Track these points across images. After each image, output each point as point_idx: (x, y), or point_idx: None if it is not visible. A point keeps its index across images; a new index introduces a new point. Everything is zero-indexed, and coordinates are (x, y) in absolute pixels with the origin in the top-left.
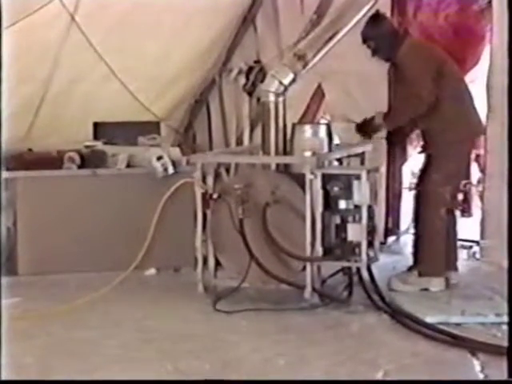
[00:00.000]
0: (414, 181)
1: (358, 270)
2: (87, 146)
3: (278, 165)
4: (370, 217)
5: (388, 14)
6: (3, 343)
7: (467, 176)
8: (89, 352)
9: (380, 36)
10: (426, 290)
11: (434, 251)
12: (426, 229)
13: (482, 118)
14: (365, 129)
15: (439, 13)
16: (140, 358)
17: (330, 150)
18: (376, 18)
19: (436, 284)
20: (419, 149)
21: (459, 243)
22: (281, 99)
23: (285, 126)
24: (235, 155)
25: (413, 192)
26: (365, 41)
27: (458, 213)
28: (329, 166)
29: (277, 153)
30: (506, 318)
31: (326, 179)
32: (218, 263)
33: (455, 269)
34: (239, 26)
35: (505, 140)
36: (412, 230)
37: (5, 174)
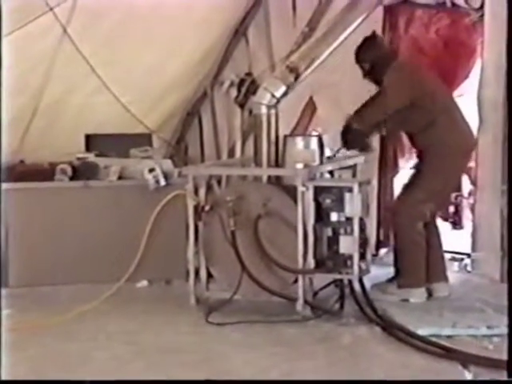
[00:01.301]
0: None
1: (350, 282)
2: (79, 158)
3: (269, 177)
4: (362, 229)
5: (379, 28)
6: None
7: (458, 188)
8: (80, 364)
9: (375, 59)
10: (407, 300)
11: (413, 263)
12: (405, 242)
13: (474, 131)
14: (350, 137)
15: (430, 26)
16: (132, 370)
17: (322, 162)
18: (373, 40)
19: (416, 295)
20: (413, 163)
21: (451, 255)
22: (273, 111)
23: (277, 138)
24: (227, 167)
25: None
26: (359, 61)
27: (440, 223)
28: (320, 179)
29: (269, 165)
30: (496, 330)
31: (318, 191)
32: (209, 275)
33: (445, 279)
34: (231, 38)
35: (496, 152)
36: (392, 243)
37: None
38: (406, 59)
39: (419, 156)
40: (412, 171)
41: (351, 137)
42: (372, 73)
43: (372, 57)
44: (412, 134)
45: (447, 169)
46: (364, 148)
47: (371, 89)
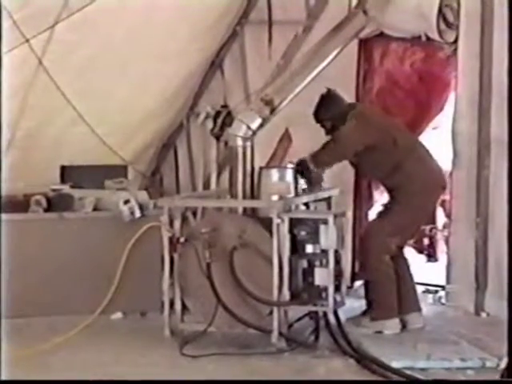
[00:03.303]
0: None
1: (325, 314)
2: (54, 190)
3: (245, 209)
4: (337, 261)
5: (355, 61)
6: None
7: (432, 221)
8: None
9: (335, 115)
10: (380, 332)
11: (384, 295)
12: (373, 275)
13: (443, 169)
14: (303, 171)
15: (405, 59)
16: None
17: (297, 193)
18: (330, 97)
19: (390, 327)
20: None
21: (425, 287)
22: (248, 143)
23: (252, 170)
24: (202, 199)
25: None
26: (319, 121)
27: (415, 255)
28: (296, 211)
29: (244, 197)
30: (470, 363)
31: (293, 223)
32: (184, 307)
33: (418, 309)
34: (207, 70)
35: (470, 185)
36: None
37: None
38: (364, 107)
39: (390, 194)
40: (380, 207)
41: (308, 175)
42: (334, 129)
43: (331, 114)
44: (381, 178)
45: (416, 205)
46: (318, 182)
47: None
